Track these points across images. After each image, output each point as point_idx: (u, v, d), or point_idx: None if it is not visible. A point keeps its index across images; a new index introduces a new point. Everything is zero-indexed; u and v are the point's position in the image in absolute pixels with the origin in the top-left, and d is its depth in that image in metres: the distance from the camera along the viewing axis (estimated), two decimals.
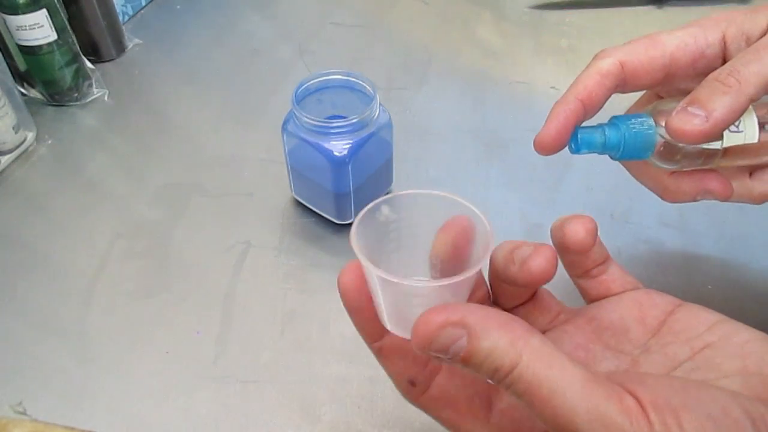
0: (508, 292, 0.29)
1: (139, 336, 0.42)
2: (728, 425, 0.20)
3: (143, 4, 0.70)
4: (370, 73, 0.45)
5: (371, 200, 0.52)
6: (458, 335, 0.22)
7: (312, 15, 0.70)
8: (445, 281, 0.24)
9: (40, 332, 0.42)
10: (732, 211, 0.48)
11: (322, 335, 0.42)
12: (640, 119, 0.32)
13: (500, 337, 0.22)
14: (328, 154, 0.43)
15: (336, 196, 0.45)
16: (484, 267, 0.26)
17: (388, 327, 0.26)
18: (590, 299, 0.30)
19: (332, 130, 0.42)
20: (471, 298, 0.28)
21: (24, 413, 0.38)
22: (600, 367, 0.27)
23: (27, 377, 0.40)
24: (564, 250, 0.28)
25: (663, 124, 0.31)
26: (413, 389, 0.28)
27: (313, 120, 0.42)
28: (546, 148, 0.32)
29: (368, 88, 0.44)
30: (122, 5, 0.66)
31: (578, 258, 0.29)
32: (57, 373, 0.40)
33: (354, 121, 0.42)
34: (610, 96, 0.33)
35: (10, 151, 0.53)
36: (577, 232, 0.27)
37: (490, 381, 0.23)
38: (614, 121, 0.32)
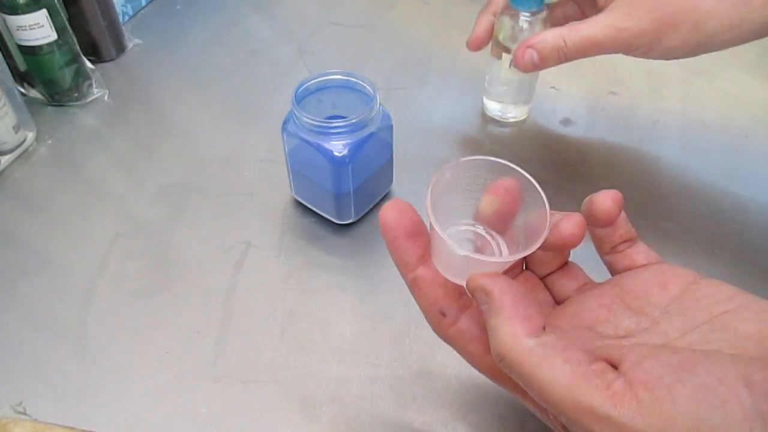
0: (540, 259, 0.32)
1: (139, 336, 0.42)
2: (722, 392, 0.22)
3: (143, 4, 0.70)
4: (370, 73, 0.46)
5: (371, 200, 0.52)
6: (485, 301, 0.26)
7: (312, 15, 0.70)
8: (496, 259, 0.29)
9: (40, 332, 0.42)
10: (732, 210, 0.48)
11: (322, 335, 0.42)
12: None
13: (502, 325, 0.25)
14: (328, 154, 0.43)
15: (336, 196, 0.45)
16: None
17: (443, 273, 0.29)
18: (616, 273, 0.32)
19: (332, 130, 0.42)
20: None
21: (24, 413, 0.38)
22: (622, 325, 0.29)
23: (27, 377, 0.40)
24: (592, 220, 0.30)
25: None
26: (443, 320, 0.30)
27: (313, 120, 0.42)
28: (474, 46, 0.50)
29: (368, 88, 0.44)
30: (122, 5, 0.66)
31: (606, 232, 0.31)
32: (57, 373, 0.40)
33: (354, 121, 0.42)
34: None
35: (10, 151, 0.53)
36: (604, 201, 0.30)
37: None
38: None
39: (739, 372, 0.22)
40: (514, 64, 0.44)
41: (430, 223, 0.28)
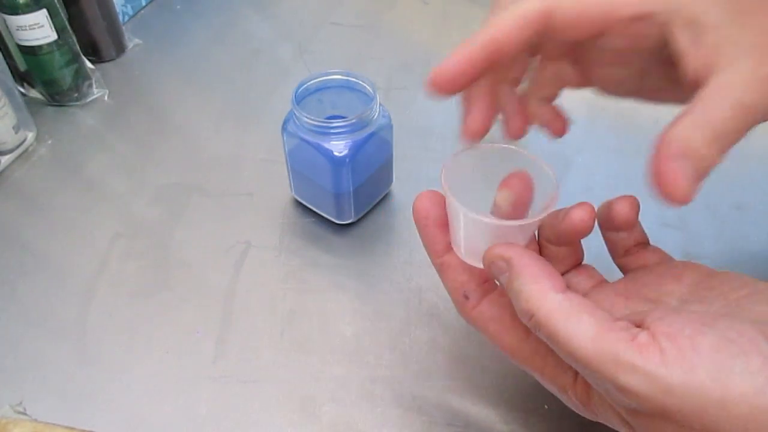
0: (555, 255, 0.33)
1: (139, 336, 0.42)
2: (742, 343, 0.23)
3: (143, 4, 0.70)
4: (370, 73, 0.46)
5: (371, 200, 0.52)
6: (504, 269, 0.27)
7: (312, 15, 0.70)
8: (516, 222, 0.29)
9: (40, 332, 0.42)
10: (732, 211, 0.48)
11: (322, 335, 0.42)
12: None
13: (527, 283, 0.26)
14: (328, 154, 0.43)
15: (336, 196, 0.45)
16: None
17: (462, 256, 0.31)
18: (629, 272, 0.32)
19: (332, 130, 0.42)
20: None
21: (24, 413, 0.38)
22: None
23: (27, 377, 0.40)
24: (611, 225, 0.31)
25: None
26: (466, 302, 0.32)
27: (312, 120, 0.42)
28: (440, 86, 0.31)
29: (368, 88, 0.44)
30: (122, 5, 0.66)
31: (621, 236, 0.32)
32: (57, 373, 0.40)
33: (354, 121, 0.42)
34: (524, 47, 0.29)
35: (10, 151, 0.53)
36: (623, 207, 0.31)
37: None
38: None
39: (757, 327, 0.23)
40: (658, 190, 0.27)
41: (446, 200, 0.29)
